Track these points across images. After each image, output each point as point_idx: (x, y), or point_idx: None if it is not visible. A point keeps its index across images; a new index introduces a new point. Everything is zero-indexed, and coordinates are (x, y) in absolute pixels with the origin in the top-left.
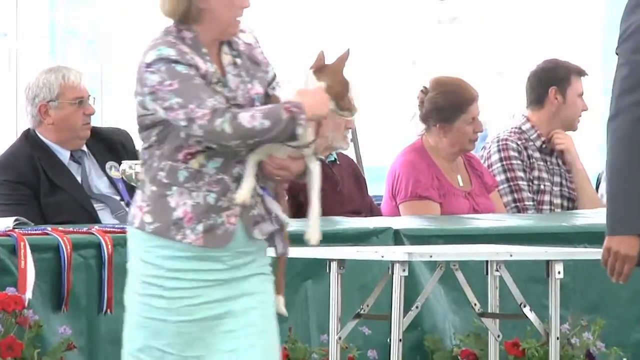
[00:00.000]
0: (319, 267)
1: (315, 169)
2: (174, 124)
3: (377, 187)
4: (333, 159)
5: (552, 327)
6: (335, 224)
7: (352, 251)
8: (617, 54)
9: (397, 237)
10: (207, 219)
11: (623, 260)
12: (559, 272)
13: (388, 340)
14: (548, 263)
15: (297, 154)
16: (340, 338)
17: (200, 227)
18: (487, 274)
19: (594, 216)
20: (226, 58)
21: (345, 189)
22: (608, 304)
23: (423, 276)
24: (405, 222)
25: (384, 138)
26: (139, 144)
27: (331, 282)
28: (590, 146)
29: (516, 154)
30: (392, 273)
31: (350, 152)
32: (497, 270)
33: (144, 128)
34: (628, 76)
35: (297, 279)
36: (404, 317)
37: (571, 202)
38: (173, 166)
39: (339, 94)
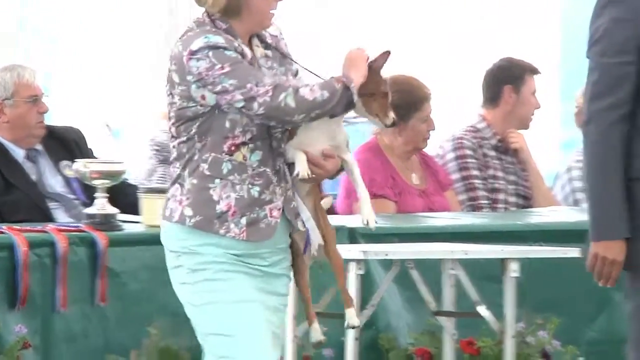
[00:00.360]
0: None
1: (351, 158)
2: (225, 108)
3: (331, 185)
4: None
5: (507, 326)
6: None
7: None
8: (587, 57)
9: (353, 236)
10: (251, 213)
11: (611, 266)
12: (514, 271)
13: (343, 339)
14: (503, 261)
15: (330, 152)
16: (296, 336)
17: (243, 221)
18: (442, 272)
19: (548, 214)
20: (258, 50)
21: None
22: (562, 303)
23: (378, 275)
24: (360, 220)
25: None
26: (90, 143)
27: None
28: (549, 144)
29: (471, 153)
30: (348, 272)
31: None
32: (452, 269)
33: (183, 121)
34: (598, 81)
35: None
36: (359, 315)
37: (526, 201)
38: (217, 158)
39: (370, 94)
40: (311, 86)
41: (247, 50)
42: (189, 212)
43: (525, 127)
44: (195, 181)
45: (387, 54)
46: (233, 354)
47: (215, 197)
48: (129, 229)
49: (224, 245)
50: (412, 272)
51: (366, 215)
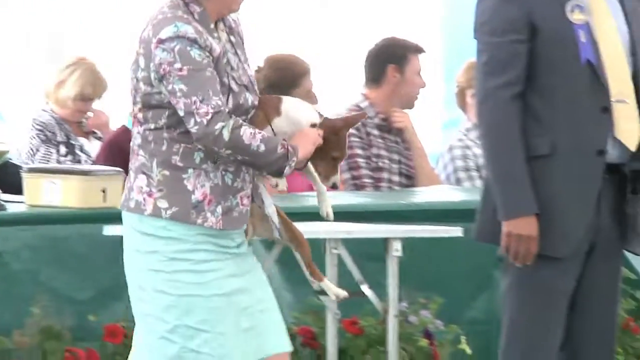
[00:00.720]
0: None
1: None
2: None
3: None
4: None
5: (390, 305)
6: None
7: None
8: (475, 39)
9: None
10: (225, 201)
11: (527, 242)
12: (396, 250)
13: None
14: (386, 241)
15: None
16: None
17: (219, 210)
18: (325, 251)
19: (431, 194)
20: (223, 35)
21: None
22: (445, 282)
23: (260, 254)
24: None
25: None
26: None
27: None
28: (431, 124)
29: (355, 132)
30: None
31: None
32: (335, 248)
33: (149, 107)
34: (489, 60)
35: None
36: None
37: (409, 180)
38: (187, 148)
39: (323, 152)
40: (256, 132)
41: (215, 45)
42: (163, 204)
43: (410, 106)
44: (167, 172)
45: (361, 116)
46: (205, 349)
47: (190, 187)
48: (12, 208)
49: (198, 229)
50: (295, 252)
51: (326, 208)
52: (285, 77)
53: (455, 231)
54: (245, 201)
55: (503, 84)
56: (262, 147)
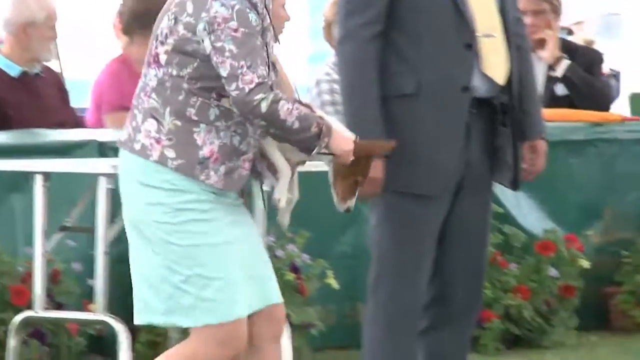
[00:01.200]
0: (24, 179)
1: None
2: (214, 64)
3: (78, 99)
4: (37, 71)
5: None
6: (39, 137)
7: (57, 164)
8: None
9: (102, 150)
10: (230, 161)
11: (372, 184)
12: None
13: (92, 253)
14: None
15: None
16: (45, 251)
17: (222, 169)
18: None
19: None
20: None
21: (50, 101)
22: (312, 216)
23: None
24: (110, 134)
25: (86, 51)
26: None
27: (36, 195)
28: (297, 57)
29: None
30: (97, 186)
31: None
32: None
33: (179, 52)
34: None
35: (2, 191)
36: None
37: None
38: (204, 103)
39: (346, 171)
40: (294, 107)
41: (267, 15)
42: (170, 153)
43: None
44: (179, 123)
45: (391, 145)
46: (219, 296)
47: (199, 142)
48: None
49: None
50: None
51: (282, 218)
52: (150, 7)
53: (322, 165)
54: (247, 165)
55: (363, 24)
56: (297, 124)
